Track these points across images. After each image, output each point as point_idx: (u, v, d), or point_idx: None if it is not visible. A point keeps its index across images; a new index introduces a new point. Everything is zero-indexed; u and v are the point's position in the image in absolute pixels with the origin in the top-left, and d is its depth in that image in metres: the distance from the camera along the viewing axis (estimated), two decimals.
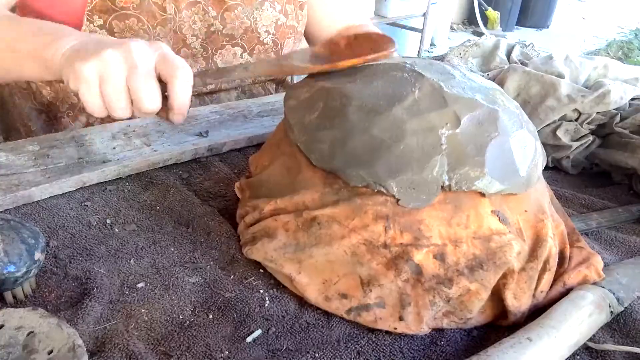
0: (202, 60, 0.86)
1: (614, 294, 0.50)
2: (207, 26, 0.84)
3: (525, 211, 0.51)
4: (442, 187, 0.47)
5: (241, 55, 0.89)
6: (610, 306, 0.49)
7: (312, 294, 0.48)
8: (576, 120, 0.75)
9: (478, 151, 0.48)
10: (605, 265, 0.54)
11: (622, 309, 0.50)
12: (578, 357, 0.46)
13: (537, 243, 0.50)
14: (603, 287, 0.50)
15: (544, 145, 0.76)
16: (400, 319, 0.46)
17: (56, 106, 0.85)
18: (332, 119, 0.50)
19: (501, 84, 0.79)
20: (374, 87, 0.51)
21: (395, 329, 0.46)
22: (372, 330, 0.47)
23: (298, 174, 0.52)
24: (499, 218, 0.49)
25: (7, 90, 0.89)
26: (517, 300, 0.48)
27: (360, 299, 0.47)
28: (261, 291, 0.49)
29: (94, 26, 0.77)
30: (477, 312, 0.48)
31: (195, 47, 0.85)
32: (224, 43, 0.87)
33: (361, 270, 0.47)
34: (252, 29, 0.87)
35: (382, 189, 0.47)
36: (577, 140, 0.75)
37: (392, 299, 0.47)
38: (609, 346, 0.46)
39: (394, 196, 0.47)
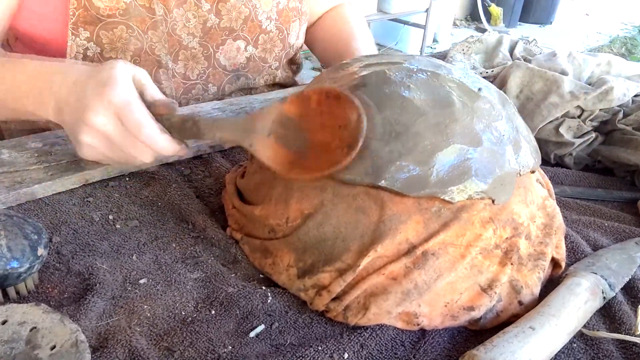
0: (203, 60, 0.83)
1: (605, 279, 0.51)
2: (203, 22, 0.80)
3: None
4: (519, 174, 0.50)
5: (245, 48, 0.85)
6: (603, 292, 0.50)
7: (437, 319, 0.47)
8: (579, 117, 0.75)
9: (528, 133, 0.54)
10: (594, 251, 0.58)
11: (614, 294, 0.51)
12: (575, 344, 0.47)
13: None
14: (595, 273, 0.51)
15: (547, 142, 0.76)
16: (520, 303, 0.49)
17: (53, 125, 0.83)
18: (412, 149, 0.47)
19: (504, 80, 0.79)
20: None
21: (518, 314, 0.48)
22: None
23: (381, 214, 0.47)
24: (541, 184, 0.56)
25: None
26: (561, 249, 0.54)
27: (487, 304, 0.47)
28: (263, 287, 0.49)
29: (81, 39, 0.73)
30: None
31: (194, 47, 0.81)
32: (224, 37, 0.83)
33: (480, 278, 0.48)
34: (251, 18, 0.83)
35: (484, 195, 0.47)
36: (580, 137, 0.75)
37: (505, 289, 0.49)
38: (602, 333, 0.47)
39: (489, 198, 0.48)
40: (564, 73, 0.76)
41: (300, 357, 0.43)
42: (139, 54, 0.77)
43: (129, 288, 0.48)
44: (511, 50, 0.89)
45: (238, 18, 0.82)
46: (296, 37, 0.93)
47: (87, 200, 0.59)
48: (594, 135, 0.75)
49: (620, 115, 0.74)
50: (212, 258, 0.53)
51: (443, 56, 0.93)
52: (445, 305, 0.47)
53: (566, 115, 0.74)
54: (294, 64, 1.00)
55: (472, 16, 4.75)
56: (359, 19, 0.98)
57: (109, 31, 0.74)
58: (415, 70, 0.53)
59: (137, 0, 0.74)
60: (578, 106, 0.74)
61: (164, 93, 0.82)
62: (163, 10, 0.76)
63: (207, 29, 0.81)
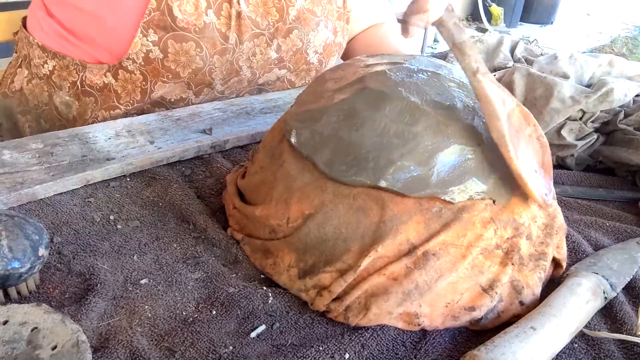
0: (245, 82, 0.85)
1: (607, 279, 0.51)
2: (266, 58, 0.82)
3: None
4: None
5: (283, 74, 0.88)
6: (604, 292, 0.50)
7: (438, 320, 0.47)
8: (580, 119, 0.75)
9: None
10: (595, 250, 0.58)
11: (615, 294, 0.51)
12: (576, 344, 0.47)
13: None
14: (596, 273, 0.51)
15: (549, 145, 0.76)
16: (521, 303, 0.48)
17: (76, 121, 0.83)
18: (414, 150, 0.47)
19: (509, 87, 0.78)
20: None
21: (519, 314, 0.48)
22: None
23: (382, 214, 0.47)
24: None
25: (19, 111, 0.86)
26: (562, 249, 0.54)
27: (488, 304, 0.47)
28: (264, 288, 0.49)
29: (147, 41, 0.73)
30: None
31: (246, 74, 0.83)
32: (272, 66, 0.85)
33: (481, 279, 0.48)
34: (301, 51, 0.86)
35: (485, 196, 0.47)
36: (582, 139, 0.75)
37: (506, 290, 0.48)
38: (603, 334, 0.47)
39: (490, 198, 0.48)
40: (565, 76, 0.76)
41: (302, 358, 0.43)
42: (197, 73, 0.78)
43: (130, 288, 0.48)
44: (512, 51, 0.89)
45: (290, 50, 0.84)
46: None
47: (88, 201, 0.59)
48: (595, 136, 0.75)
49: (622, 115, 0.74)
50: (213, 258, 0.53)
51: (444, 56, 0.93)
52: (446, 306, 0.47)
53: (568, 117, 0.74)
54: None
55: (472, 16, 4.74)
56: (400, 36, 1.00)
57: (177, 42, 0.74)
58: (415, 70, 0.53)
59: (216, 23, 0.74)
60: (580, 109, 0.74)
61: (194, 102, 0.82)
62: (235, 39, 0.77)
63: (266, 62, 0.83)
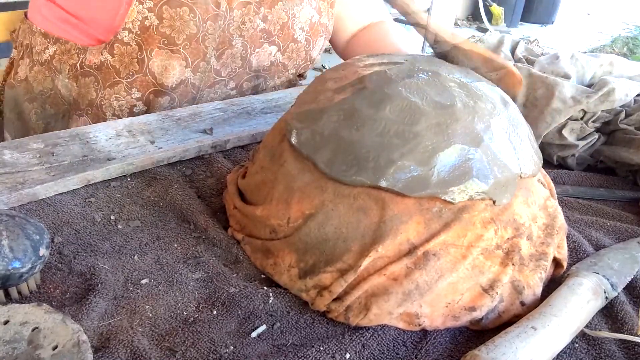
0: (239, 60, 0.87)
1: (607, 279, 0.51)
2: (255, 27, 0.84)
3: None
4: (520, 176, 0.50)
5: (274, 54, 0.89)
6: (605, 292, 0.50)
7: (438, 320, 0.47)
8: (581, 119, 0.75)
9: (530, 133, 0.54)
10: (596, 250, 0.58)
11: (616, 294, 0.51)
12: (577, 344, 0.47)
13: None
14: (597, 273, 0.51)
15: (550, 145, 0.76)
16: (522, 304, 0.48)
17: (77, 103, 0.84)
18: (414, 149, 0.47)
19: None
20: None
21: (520, 315, 0.48)
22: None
23: (382, 214, 0.47)
24: (543, 184, 0.55)
25: (26, 99, 0.88)
26: (563, 250, 0.54)
27: (489, 304, 0.47)
28: (265, 288, 0.49)
29: (143, 7, 0.76)
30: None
31: (237, 47, 0.85)
32: (262, 41, 0.86)
33: (482, 279, 0.48)
34: (288, 26, 0.88)
35: (485, 196, 0.47)
36: (583, 139, 0.75)
37: (506, 290, 0.48)
38: (604, 333, 0.47)
39: (490, 198, 0.48)
40: (566, 76, 0.76)
41: (302, 358, 0.43)
42: (191, 40, 0.80)
43: (131, 288, 0.48)
44: (513, 51, 0.89)
45: (276, 23, 0.86)
46: (317, 52, 0.97)
47: (89, 201, 0.59)
48: (596, 136, 0.75)
49: (622, 115, 0.74)
50: (214, 258, 0.53)
51: (444, 56, 0.93)
52: (447, 306, 0.47)
53: (569, 117, 0.74)
54: (301, 77, 1.04)
55: (473, 16, 4.74)
56: (400, 35, 1.00)
57: (172, 8, 0.77)
58: (416, 70, 0.53)
59: None
60: (581, 109, 0.73)
61: (193, 84, 0.84)
62: (225, 7, 0.80)
63: (254, 32, 0.85)
